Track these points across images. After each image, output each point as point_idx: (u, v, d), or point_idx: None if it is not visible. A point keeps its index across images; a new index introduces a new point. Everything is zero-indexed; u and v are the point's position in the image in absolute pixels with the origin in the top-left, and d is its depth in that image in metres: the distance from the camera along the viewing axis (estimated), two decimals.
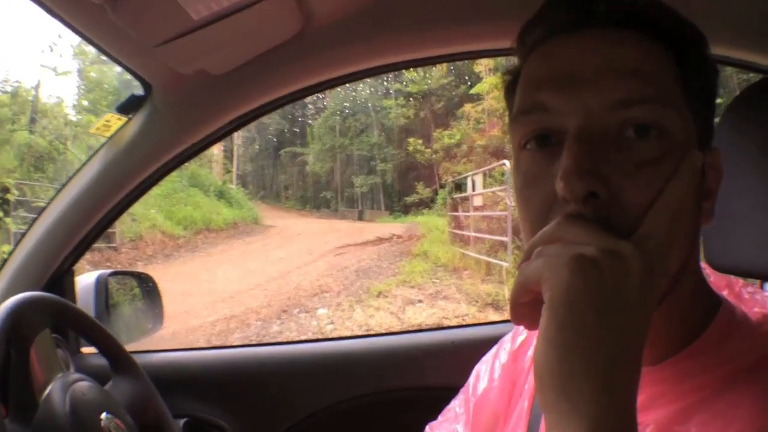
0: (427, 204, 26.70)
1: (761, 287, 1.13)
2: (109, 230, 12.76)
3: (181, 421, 1.43)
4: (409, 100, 31.25)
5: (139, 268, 12.17)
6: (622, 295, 0.48)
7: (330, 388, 1.54)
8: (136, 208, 14.52)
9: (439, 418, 0.95)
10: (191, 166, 21.56)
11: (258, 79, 1.30)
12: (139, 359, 1.26)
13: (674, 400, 0.58)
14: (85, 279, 1.48)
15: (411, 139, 29.18)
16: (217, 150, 28.29)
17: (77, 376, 1.03)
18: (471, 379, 0.93)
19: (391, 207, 31.45)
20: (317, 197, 36.24)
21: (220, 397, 1.53)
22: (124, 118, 1.36)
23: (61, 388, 0.96)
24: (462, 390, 0.94)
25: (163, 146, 1.36)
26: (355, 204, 33.80)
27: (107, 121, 1.33)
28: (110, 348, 1.19)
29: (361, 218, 30.08)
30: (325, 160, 35.25)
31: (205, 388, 1.54)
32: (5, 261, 1.40)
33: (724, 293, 0.66)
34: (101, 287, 1.45)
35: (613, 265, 0.49)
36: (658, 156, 0.55)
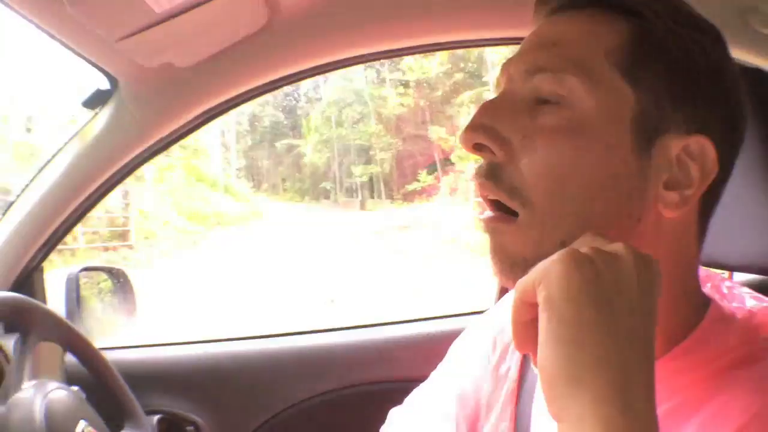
0: (428, 192, 26.41)
1: (730, 278, 1.14)
2: (124, 229, 12.95)
3: (155, 418, 1.42)
4: (408, 88, 30.93)
5: (158, 265, 12.24)
6: (622, 289, 0.46)
7: (306, 381, 1.54)
8: (147, 205, 14.49)
9: (405, 404, 0.93)
10: (195, 161, 21.51)
11: (226, 72, 1.29)
12: (111, 355, 1.26)
13: (666, 399, 0.55)
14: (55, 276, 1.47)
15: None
16: (216, 144, 28.18)
17: (56, 384, 1.03)
18: (451, 365, 0.91)
19: (392, 196, 31.26)
20: (316, 188, 36.07)
21: (193, 393, 1.52)
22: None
23: (39, 396, 0.96)
24: (438, 373, 0.92)
25: (131, 140, 1.34)
26: (354, 194, 33.63)
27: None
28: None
29: (362, 208, 29.91)
30: (322, 151, 35.09)
31: (178, 384, 1.53)
32: None
33: (707, 287, 0.65)
34: (72, 284, 1.43)
35: (607, 262, 0.47)
36: (556, 123, 0.57)
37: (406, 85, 30.80)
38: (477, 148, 0.60)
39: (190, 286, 10.06)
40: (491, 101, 0.61)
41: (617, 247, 0.49)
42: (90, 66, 1.22)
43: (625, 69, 0.57)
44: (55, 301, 1.43)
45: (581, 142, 0.56)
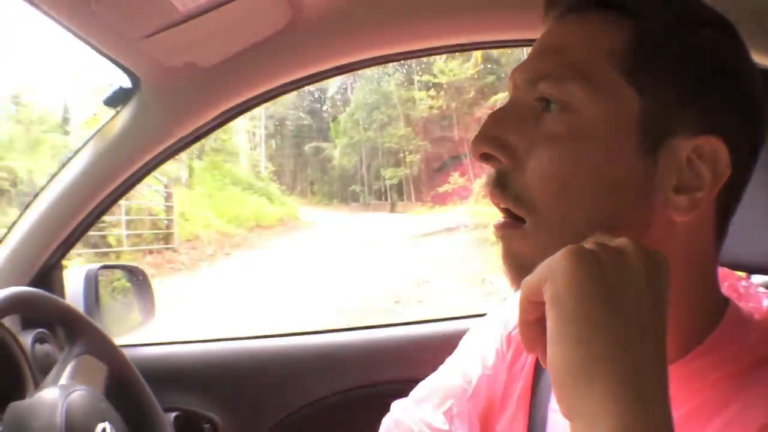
0: (459, 194, 25.88)
1: (747, 278, 1.13)
2: (167, 231, 13.01)
3: (171, 415, 1.42)
4: (439, 91, 30.48)
5: (203, 267, 12.16)
6: (628, 284, 0.46)
7: (322, 380, 1.54)
8: (187, 208, 14.38)
9: (411, 399, 0.93)
10: (229, 164, 21.29)
11: (248, 71, 1.29)
12: (129, 352, 1.26)
13: (687, 401, 0.55)
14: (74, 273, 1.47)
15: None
16: (248, 146, 28.05)
17: (82, 386, 1.03)
18: (459, 361, 0.91)
19: (421, 198, 30.76)
20: (344, 191, 35.62)
21: (210, 390, 1.52)
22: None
23: (62, 395, 0.96)
24: (448, 366, 0.93)
25: (152, 139, 1.34)
26: (383, 197, 33.17)
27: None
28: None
29: (392, 210, 29.47)
30: (351, 154, 34.68)
31: (195, 381, 1.53)
32: None
33: (724, 285, 0.65)
34: (91, 281, 1.43)
35: (612, 257, 0.47)
36: (559, 130, 0.57)
37: (436, 87, 30.42)
38: (484, 157, 0.60)
39: (242, 288, 9.94)
40: (498, 110, 0.62)
41: (622, 242, 0.49)
42: (112, 64, 1.21)
43: (627, 71, 0.56)
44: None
45: (583, 148, 0.56)
